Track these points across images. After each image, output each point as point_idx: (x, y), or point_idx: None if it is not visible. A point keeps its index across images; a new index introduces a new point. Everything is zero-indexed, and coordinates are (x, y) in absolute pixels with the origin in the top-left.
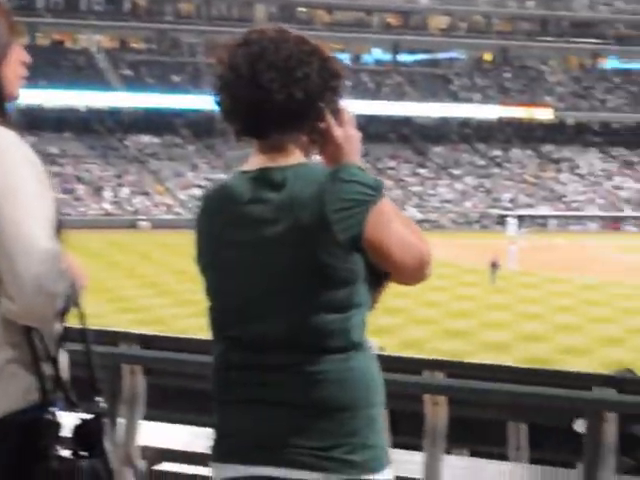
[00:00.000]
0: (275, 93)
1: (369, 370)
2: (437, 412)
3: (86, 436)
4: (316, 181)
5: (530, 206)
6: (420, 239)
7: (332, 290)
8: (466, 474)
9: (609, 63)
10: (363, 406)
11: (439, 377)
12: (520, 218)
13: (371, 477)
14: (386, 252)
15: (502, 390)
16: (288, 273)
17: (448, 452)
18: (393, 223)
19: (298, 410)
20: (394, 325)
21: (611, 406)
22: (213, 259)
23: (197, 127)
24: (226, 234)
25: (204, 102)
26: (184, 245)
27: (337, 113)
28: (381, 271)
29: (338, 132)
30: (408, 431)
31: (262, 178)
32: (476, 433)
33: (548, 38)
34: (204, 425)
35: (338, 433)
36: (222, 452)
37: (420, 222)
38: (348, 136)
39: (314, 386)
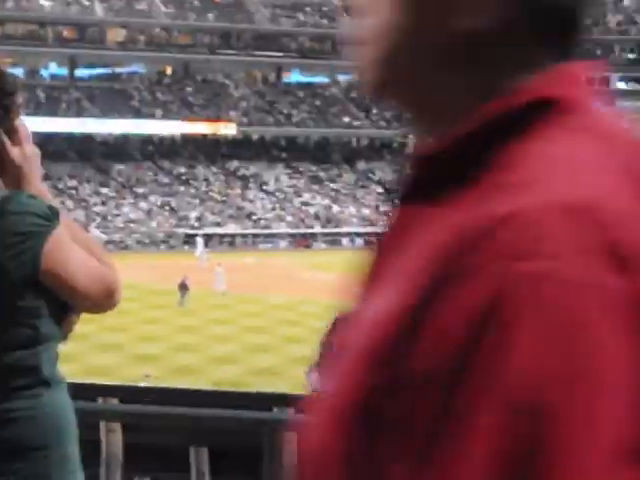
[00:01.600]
0: None
1: (62, 406)
2: (112, 439)
3: None
4: None
5: (218, 224)
6: (106, 265)
7: (14, 328)
8: None
9: (292, 77)
10: (56, 444)
11: (113, 403)
12: (208, 237)
13: None
14: (67, 283)
15: (179, 414)
16: None
17: None
18: (72, 252)
19: None
20: (77, 352)
21: (289, 425)
22: None
23: None
24: None
25: None
26: None
27: (13, 132)
28: (68, 301)
29: (14, 152)
30: (89, 461)
31: None
32: (158, 459)
33: (230, 51)
34: None
35: (32, 474)
36: None
37: (105, 243)
38: (26, 156)
39: (4, 426)
